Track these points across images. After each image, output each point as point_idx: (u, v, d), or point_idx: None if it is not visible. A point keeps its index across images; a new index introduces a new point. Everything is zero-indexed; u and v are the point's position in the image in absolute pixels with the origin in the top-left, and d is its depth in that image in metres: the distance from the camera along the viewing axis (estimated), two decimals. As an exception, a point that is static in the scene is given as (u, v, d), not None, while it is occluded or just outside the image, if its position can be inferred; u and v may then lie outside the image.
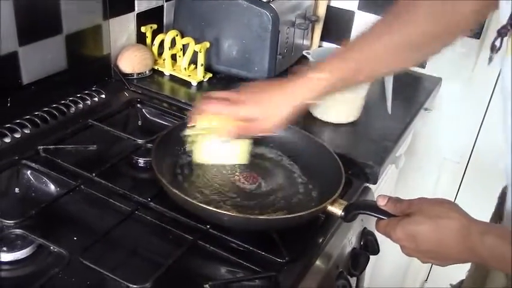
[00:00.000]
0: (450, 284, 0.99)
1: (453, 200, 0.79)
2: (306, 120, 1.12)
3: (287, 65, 1.32)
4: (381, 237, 0.95)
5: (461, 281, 0.94)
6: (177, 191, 0.77)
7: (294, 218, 0.79)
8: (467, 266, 1.03)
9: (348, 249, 0.88)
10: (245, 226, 0.79)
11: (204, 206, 0.76)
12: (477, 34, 1.35)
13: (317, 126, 1.11)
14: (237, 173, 0.91)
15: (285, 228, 0.80)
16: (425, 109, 1.32)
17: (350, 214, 0.78)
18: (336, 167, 0.88)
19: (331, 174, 0.88)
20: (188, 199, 0.76)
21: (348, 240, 0.87)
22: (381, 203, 0.73)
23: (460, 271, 1.03)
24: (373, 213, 0.75)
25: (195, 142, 0.87)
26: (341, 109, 1.12)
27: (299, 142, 0.97)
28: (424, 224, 0.67)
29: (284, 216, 0.81)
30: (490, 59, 0.73)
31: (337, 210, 0.79)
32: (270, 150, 0.98)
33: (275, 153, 0.97)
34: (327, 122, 1.12)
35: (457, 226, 0.65)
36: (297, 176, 0.93)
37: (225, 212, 0.76)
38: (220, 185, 0.88)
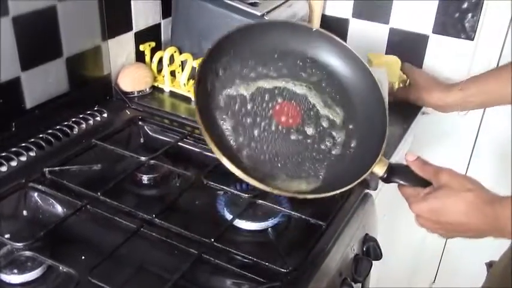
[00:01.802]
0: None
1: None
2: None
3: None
4: (383, 242, 0.97)
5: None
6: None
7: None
8: (478, 265, 1.05)
9: (351, 256, 0.89)
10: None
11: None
12: (471, 36, 1.36)
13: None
14: (279, 101, 0.87)
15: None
16: (423, 113, 1.34)
17: (391, 178, 0.79)
18: (382, 114, 0.83)
19: (375, 122, 0.84)
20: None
21: (350, 247, 0.89)
22: (410, 158, 0.78)
23: (470, 269, 1.05)
24: (410, 184, 0.78)
25: None
26: None
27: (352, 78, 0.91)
28: (450, 197, 0.72)
29: (333, 193, 0.79)
30: None
31: (379, 170, 0.78)
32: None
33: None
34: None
35: (482, 197, 0.71)
36: (338, 118, 0.88)
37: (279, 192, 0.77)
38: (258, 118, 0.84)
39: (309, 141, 0.85)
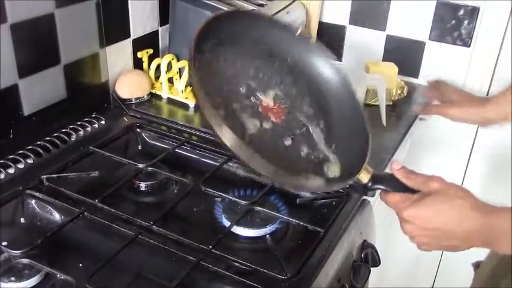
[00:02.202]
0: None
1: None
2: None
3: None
4: (381, 249, 0.97)
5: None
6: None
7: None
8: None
9: (349, 262, 0.89)
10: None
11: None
12: (467, 43, 1.37)
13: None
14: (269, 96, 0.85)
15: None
16: (421, 119, 1.34)
17: (375, 185, 0.77)
18: (362, 130, 0.82)
19: (356, 135, 0.82)
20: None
21: (348, 253, 0.89)
22: (395, 167, 0.76)
23: (469, 276, 1.05)
24: (396, 191, 0.76)
25: None
26: None
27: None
28: (443, 203, 0.70)
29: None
30: None
31: (364, 177, 0.77)
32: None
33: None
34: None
35: (475, 204, 0.70)
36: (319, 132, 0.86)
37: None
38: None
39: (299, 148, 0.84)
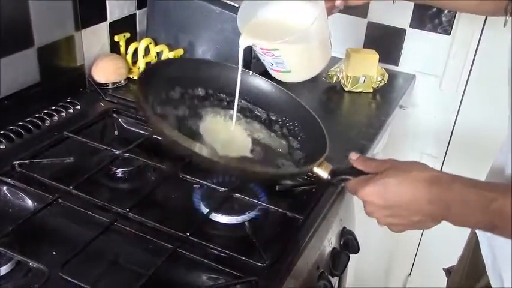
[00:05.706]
0: (443, 268, 1.02)
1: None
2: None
3: (262, 68, 1.32)
4: (360, 236, 0.97)
5: (453, 266, 0.97)
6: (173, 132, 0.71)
7: (284, 175, 0.81)
8: (452, 259, 1.05)
9: (328, 249, 0.89)
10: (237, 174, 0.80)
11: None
12: (447, 31, 1.37)
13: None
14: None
15: (273, 182, 0.84)
16: (401, 106, 1.34)
17: (336, 178, 0.77)
18: (320, 132, 0.85)
19: (316, 138, 0.85)
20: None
21: (327, 240, 0.88)
22: (353, 157, 0.75)
23: (445, 262, 1.05)
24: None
25: None
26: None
27: (286, 104, 0.93)
28: (396, 177, 0.68)
29: (278, 172, 0.79)
30: (506, 23, 0.80)
31: (323, 172, 0.77)
32: (258, 110, 0.94)
33: (264, 113, 0.94)
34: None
35: (428, 176, 0.67)
36: (285, 140, 0.90)
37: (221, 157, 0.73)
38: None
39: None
